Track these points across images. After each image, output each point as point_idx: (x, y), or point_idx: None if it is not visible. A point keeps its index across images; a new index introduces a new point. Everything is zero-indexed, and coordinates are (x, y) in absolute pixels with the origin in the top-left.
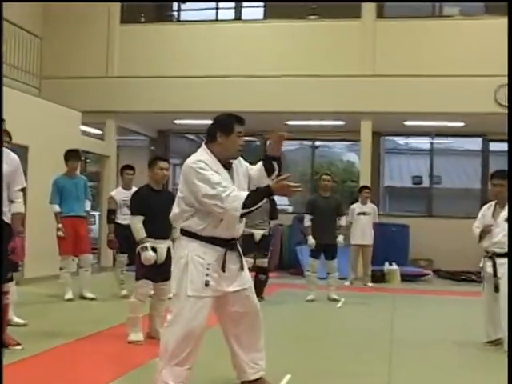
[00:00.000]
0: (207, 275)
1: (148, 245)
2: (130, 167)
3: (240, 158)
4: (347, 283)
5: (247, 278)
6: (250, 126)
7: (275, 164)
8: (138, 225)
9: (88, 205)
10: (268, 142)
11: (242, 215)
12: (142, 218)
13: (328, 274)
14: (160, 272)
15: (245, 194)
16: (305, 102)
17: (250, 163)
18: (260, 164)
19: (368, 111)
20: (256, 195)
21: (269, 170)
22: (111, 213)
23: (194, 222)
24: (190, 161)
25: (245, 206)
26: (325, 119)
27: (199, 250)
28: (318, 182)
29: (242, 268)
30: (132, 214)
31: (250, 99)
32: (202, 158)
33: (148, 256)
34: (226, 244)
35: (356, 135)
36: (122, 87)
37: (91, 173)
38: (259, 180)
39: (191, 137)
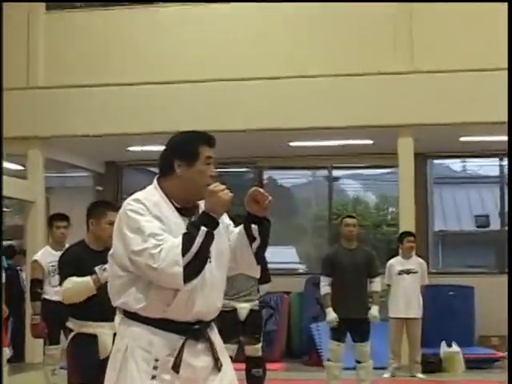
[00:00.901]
0: (153, 378)
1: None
2: (62, 217)
3: None
4: (387, 375)
5: (229, 379)
6: (238, 150)
7: (255, 229)
8: (70, 283)
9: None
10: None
11: (189, 271)
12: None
13: (358, 362)
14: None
15: (179, 239)
16: (316, 114)
17: (234, 218)
18: (240, 228)
19: (407, 123)
20: (192, 227)
21: (250, 237)
22: (36, 285)
23: (132, 296)
24: (127, 200)
25: (185, 251)
26: (345, 138)
27: (143, 338)
28: (338, 228)
29: (217, 365)
30: (61, 282)
31: (238, 113)
32: (143, 197)
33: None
34: (185, 329)
35: (391, 159)
36: (51, 102)
37: (10, 227)
38: (241, 251)
39: (154, 170)
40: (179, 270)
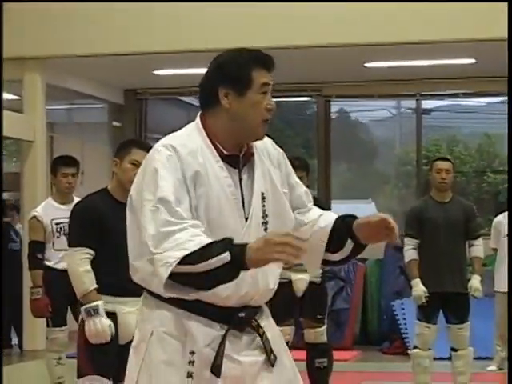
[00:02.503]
0: (190, 375)
1: (100, 306)
2: (70, 161)
3: (271, 145)
4: (492, 367)
5: (287, 377)
6: (299, 74)
7: (350, 244)
8: (80, 267)
9: None
10: (363, 220)
11: (175, 284)
12: (88, 253)
13: (454, 350)
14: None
15: (203, 239)
16: (400, 25)
17: (303, 165)
18: (330, 218)
19: None
20: (220, 243)
21: (334, 244)
22: (36, 249)
23: None
24: (158, 143)
25: (190, 260)
26: (438, 56)
27: (174, 323)
28: (429, 174)
29: (269, 360)
30: (70, 244)
31: (296, 25)
32: (179, 142)
33: (99, 327)
34: (228, 316)
35: (500, 84)
36: (54, 12)
37: (4, 175)
38: (310, 248)
39: (187, 100)
40: (164, 275)
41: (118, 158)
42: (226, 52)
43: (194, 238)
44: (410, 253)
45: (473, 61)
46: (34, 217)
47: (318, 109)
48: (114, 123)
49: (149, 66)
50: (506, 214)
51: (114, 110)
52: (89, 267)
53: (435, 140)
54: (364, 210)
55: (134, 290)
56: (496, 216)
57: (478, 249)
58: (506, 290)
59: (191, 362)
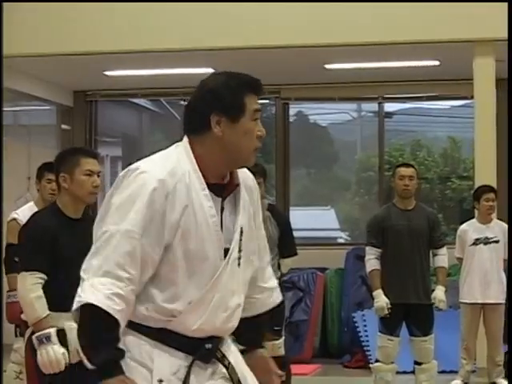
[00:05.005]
0: None
1: (53, 334)
2: (51, 166)
3: (252, 180)
4: (457, 381)
5: None
6: (256, 75)
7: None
8: (31, 292)
9: None
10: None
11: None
12: (40, 277)
13: (418, 364)
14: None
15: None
16: (361, 25)
17: (261, 171)
18: (263, 307)
19: (487, 38)
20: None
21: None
22: (14, 252)
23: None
24: (138, 164)
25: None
26: (402, 58)
27: (140, 350)
28: (391, 181)
29: None
30: (21, 268)
31: (254, 25)
32: (167, 169)
33: (52, 356)
34: (194, 346)
35: (465, 88)
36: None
37: None
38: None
39: (139, 102)
40: (81, 302)
41: (66, 172)
42: (214, 76)
43: (119, 300)
44: (372, 262)
45: (437, 63)
46: (14, 219)
47: (276, 112)
48: (63, 126)
49: (99, 66)
50: (471, 221)
51: (63, 113)
52: (40, 293)
53: (398, 145)
54: (322, 217)
55: None
56: (461, 224)
57: (442, 258)
58: (472, 302)
59: None
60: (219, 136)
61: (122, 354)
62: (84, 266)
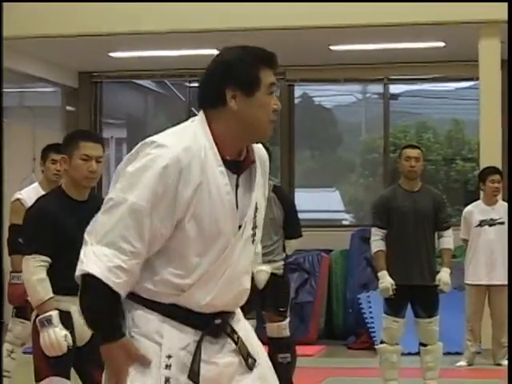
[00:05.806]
0: (167, 381)
1: (54, 316)
2: (60, 148)
3: (267, 158)
4: (462, 363)
5: (264, 372)
6: None
7: None
8: (34, 275)
9: None
10: None
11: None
12: (43, 260)
13: (423, 345)
14: (85, 359)
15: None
16: (367, 7)
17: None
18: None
19: (492, 19)
20: (96, 301)
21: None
22: (16, 233)
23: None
24: (151, 139)
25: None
26: (407, 39)
27: (148, 325)
28: (397, 162)
29: (247, 363)
30: (25, 251)
31: (256, 9)
32: (182, 144)
33: (53, 339)
34: (203, 322)
35: (470, 69)
36: None
37: None
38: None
39: (144, 84)
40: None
41: (67, 154)
42: (229, 50)
43: (124, 271)
44: (377, 243)
45: (442, 44)
46: (18, 199)
47: (281, 93)
48: (68, 107)
49: (104, 47)
50: (476, 203)
51: (68, 94)
52: (43, 275)
53: (403, 126)
54: (327, 198)
55: None
56: (466, 206)
57: (447, 240)
58: (478, 283)
59: (168, 367)
60: (235, 110)
61: (122, 321)
62: (89, 228)
